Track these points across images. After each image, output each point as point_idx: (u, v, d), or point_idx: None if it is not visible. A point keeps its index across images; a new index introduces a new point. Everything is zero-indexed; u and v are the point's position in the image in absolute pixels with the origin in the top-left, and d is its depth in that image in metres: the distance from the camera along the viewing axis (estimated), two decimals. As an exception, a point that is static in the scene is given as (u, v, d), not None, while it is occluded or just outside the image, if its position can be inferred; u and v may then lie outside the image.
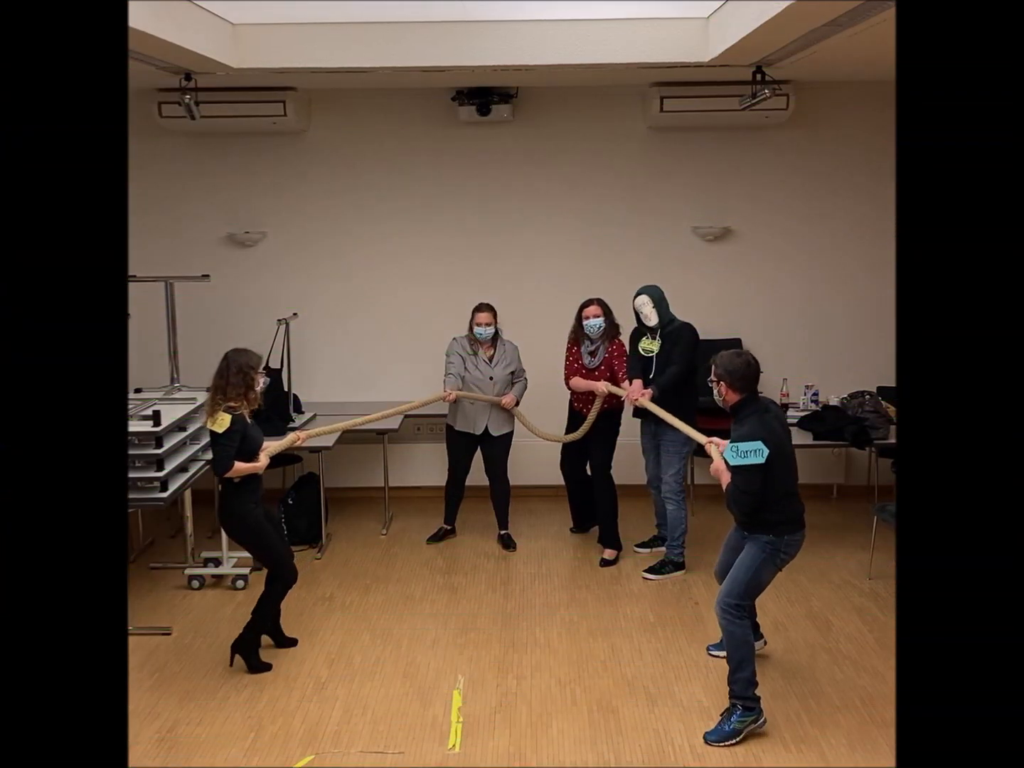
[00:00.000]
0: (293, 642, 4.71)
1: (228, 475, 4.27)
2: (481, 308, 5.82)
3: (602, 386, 5.55)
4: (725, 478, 3.89)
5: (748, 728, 3.87)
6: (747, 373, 3.88)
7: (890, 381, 6.03)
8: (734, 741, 3.83)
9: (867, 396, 6.20)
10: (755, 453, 3.73)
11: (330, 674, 4.45)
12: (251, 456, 4.34)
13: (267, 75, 5.75)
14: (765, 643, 4.58)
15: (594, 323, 5.63)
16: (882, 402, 6.17)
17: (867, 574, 5.50)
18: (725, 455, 3.86)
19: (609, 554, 5.80)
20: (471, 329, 5.84)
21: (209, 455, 5.36)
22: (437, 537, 6.20)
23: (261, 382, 4.37)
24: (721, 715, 3.93)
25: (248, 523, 4.39)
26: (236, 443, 4.24)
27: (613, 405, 5.72)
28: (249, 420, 4.33)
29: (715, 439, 4.21)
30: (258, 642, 4.52)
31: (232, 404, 4.25)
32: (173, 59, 5.05)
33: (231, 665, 4.47)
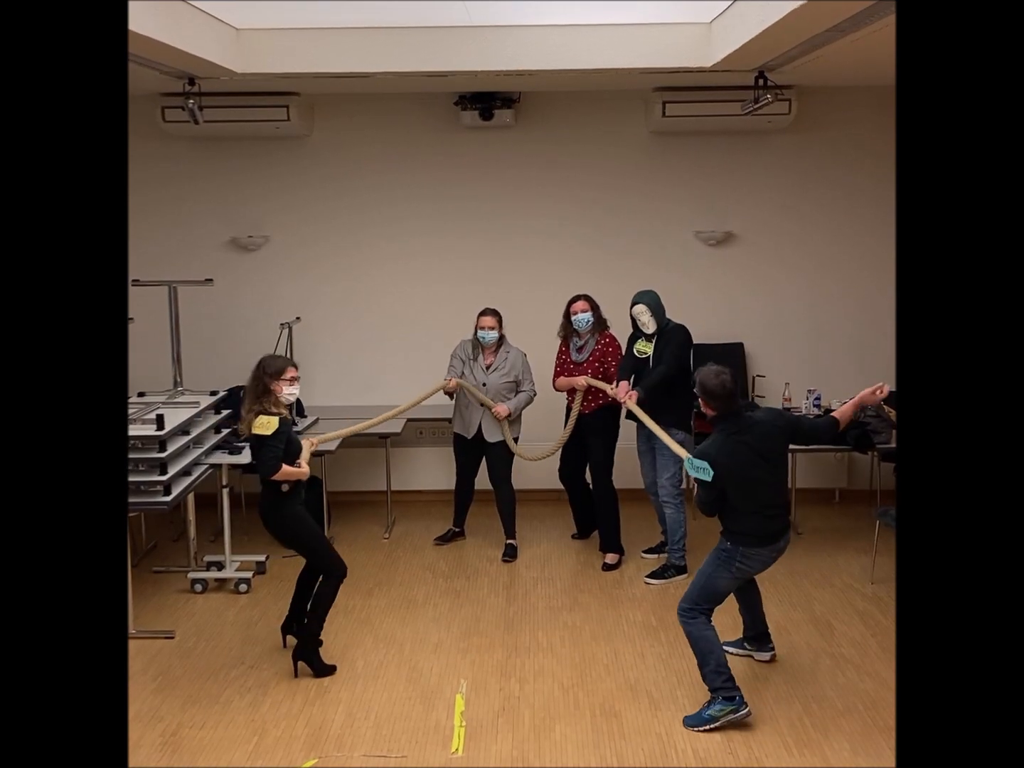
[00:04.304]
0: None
1: (274, 478, 4.25)
2: (485, 312, 5.86)
3: (581, 380, 5.57)
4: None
5: (727, 717, 3.93)
6: (721, 393, 3.94)
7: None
8: (708, 727, 3.93)
9: (869, 400, 6.19)
10: (702, 471, 3.90)
11: (333, 678, 4.45)
12: (293, 459, 4.34)
13: (270, 80, 5.77)
14: (774, 653, 4.53)
15: (582, 318, 5.65)
16: (884, 406, 6.16)
17: (869, 578, 5.50)
18: (685, 464, 4.13)
19: (611, 558, 5.79)
20: (475, 333, 5.87)
21: (212, 459, 5.38)
22: (445, 538, 6.22)
23: (284, 391, 4.31)
24: (705, 703, 4.02)
25: (302, 523, 4.39)
26: (283, 444, 4.25)
27: (610, 402, 5.67)
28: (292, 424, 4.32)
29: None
30: (317, 644, 4.47)
31: (272, 409, 4.23)
32: (176, 64, 5.07)
33: (296, 676, 4.42)
